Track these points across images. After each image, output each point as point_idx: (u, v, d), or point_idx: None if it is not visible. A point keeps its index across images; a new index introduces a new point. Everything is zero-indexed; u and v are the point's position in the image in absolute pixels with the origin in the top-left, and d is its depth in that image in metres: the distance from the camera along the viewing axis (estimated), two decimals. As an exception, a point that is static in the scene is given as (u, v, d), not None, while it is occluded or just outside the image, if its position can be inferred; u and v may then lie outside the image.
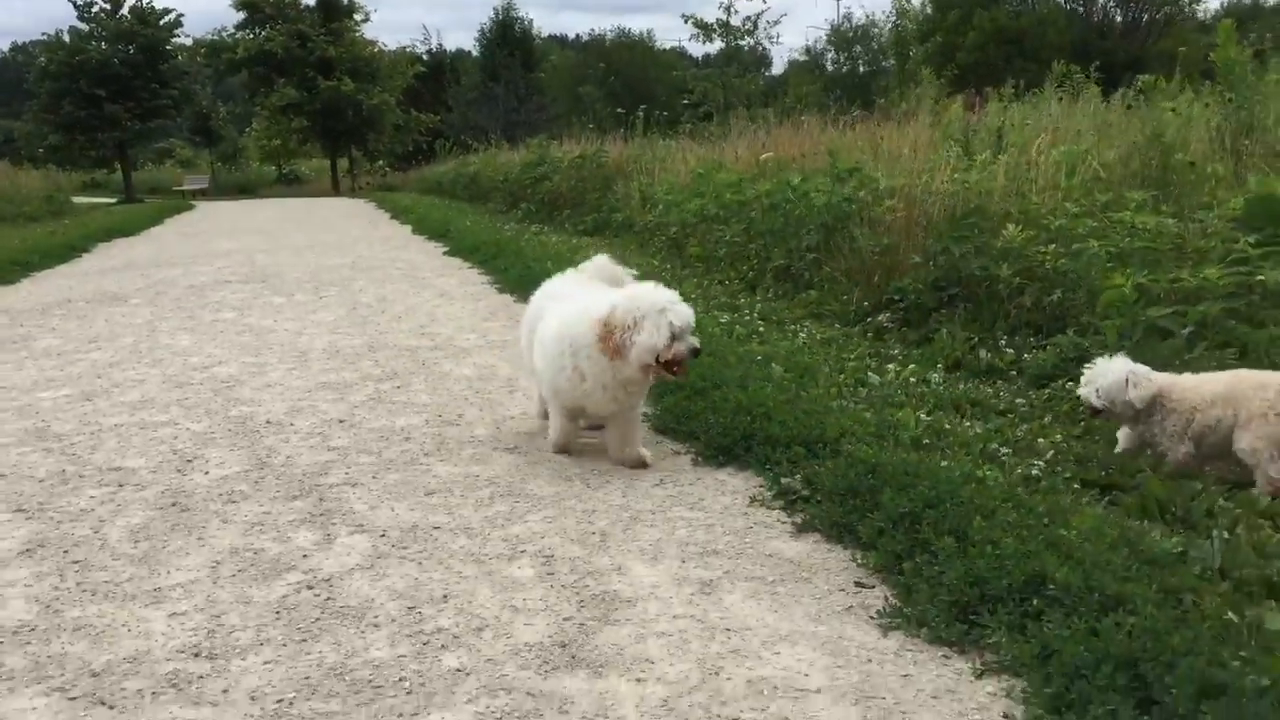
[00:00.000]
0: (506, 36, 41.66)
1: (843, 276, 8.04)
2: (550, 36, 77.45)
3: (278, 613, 2.93)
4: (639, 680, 2.50)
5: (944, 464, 3.67)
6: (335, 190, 37.37)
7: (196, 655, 2.70)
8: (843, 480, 3.57)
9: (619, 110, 18.21)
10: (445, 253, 12.89)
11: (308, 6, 37.53)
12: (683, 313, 4.11)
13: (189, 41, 37.52)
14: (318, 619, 2.88)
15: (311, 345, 6.98)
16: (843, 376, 5.46)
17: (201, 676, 2.59)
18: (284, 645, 2.74)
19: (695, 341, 4.14)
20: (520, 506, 3.77)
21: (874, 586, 3.01)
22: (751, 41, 21.75)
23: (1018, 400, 5.10)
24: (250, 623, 2.87)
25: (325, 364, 6.34)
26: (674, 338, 4.04)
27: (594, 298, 4.33)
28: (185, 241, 16.60)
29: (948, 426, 4.41)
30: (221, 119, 45.68)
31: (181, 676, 2.59)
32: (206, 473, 4.23)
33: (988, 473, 3.62)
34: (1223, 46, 8.09)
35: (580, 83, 34.06)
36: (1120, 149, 8.47)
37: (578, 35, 57.58)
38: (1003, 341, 6.18)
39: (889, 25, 27.81)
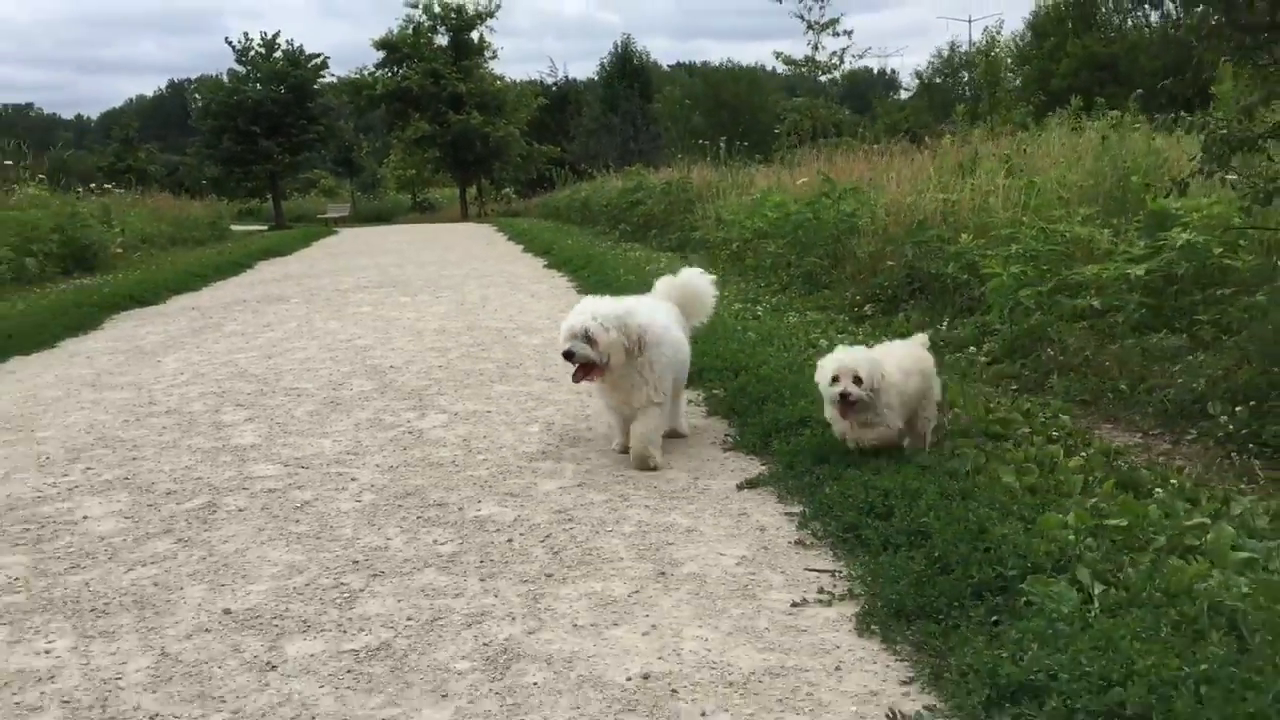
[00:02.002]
0: (625, 68, 44.70)
1: (846, 278, 10.19)
2: (678, 64, 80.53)
3: (391, 440, 5.39)
4: (600, 488, 4.83)
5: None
6: (464, 216, 40.80)
7: (348, 454, 5.17)
8: (739, 386, 5.81)
9: (701, 141, 20.54)
10: (545, 265, 15.47)
11: (441, 46, 41.22)
12: (564, 323, 4.74)
13: (334, 80, 41.68)
14: (412, 444, 5.33)
15: (425, 327, 9.55)
16: (797, 341, 7.65)
17: (351, 461, 5.04)
18: (393, 453, 5.18)
19: (566, 345, 4.68)
20: (543, 403, 6.16)
21: (735, 448, 5.26)
22: (836, 75, 23.87)
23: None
24: (376, 444, 5.33)
25: (434, 338, 8.87)
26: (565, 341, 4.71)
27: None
28: (330, 259, 19.71)
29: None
30: (363, 152, 49.97)
31: (342, 462, 5.06)
32: (350, 390, 6.77)
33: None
34: (1221, 81, 9.78)
35: (691, 112, 36.59)
36: (1083, 173, 10.36)
37: (705, 62, 60.19)
38: (945, 323, 8.23)
39: (978, 53, 29.37)
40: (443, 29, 41.25)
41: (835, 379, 4.28)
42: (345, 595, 3.37)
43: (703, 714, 2.54)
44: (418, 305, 11.23)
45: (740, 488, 4.35)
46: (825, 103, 23.11)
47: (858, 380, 4.26)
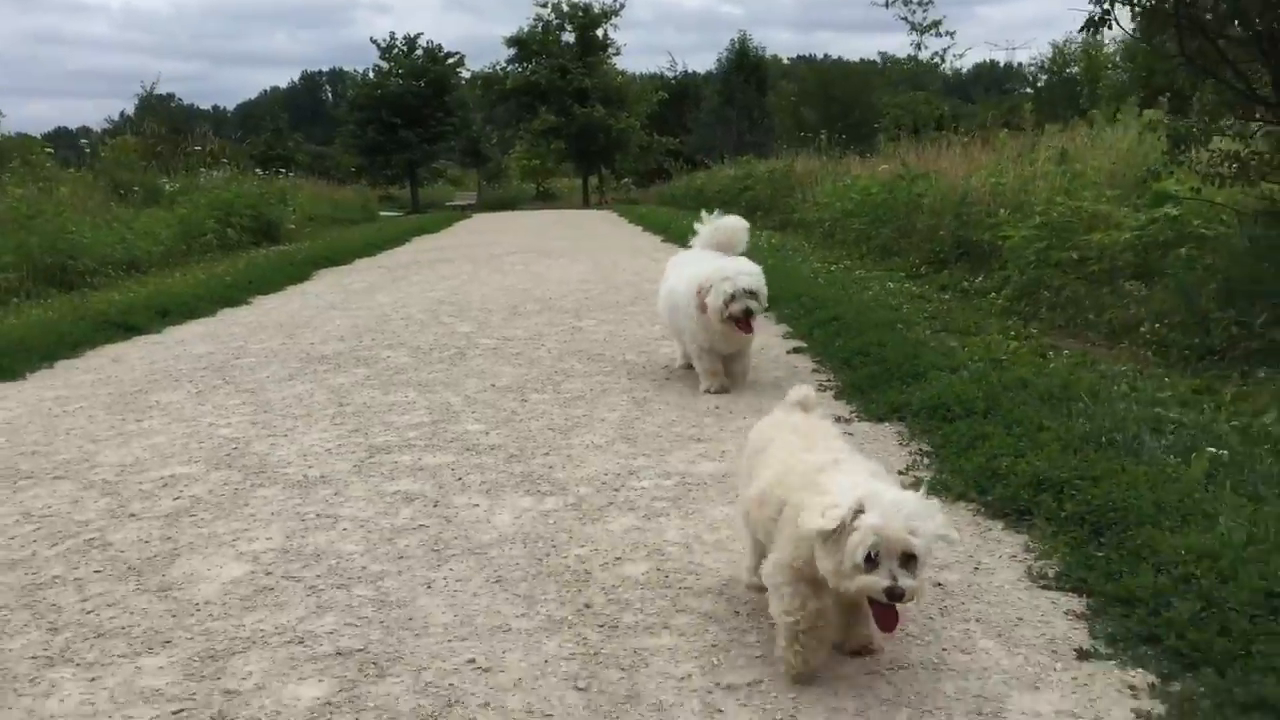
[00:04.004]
0: (742, 63, 47.21)
1: (911, 247, 12.66)
2: (799, 57, 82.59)
3: (561, 330, 8.18)
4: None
5: (879, 309, 8.48)
6: (585, 204, 43.93)
7: (534, 336, 7.97)
8: (826, 313, 8.41)
9: (805, 134, 23.02)
10: (662, 240, 18.24)
11: (568, 43, 44.44)
12: (741, 281, 5.41)
13: (468, 75, 45.32)
14: (575, 334, 8.10)
15: (570, 277, 12.41)
16: (868, 293, 10.17)
17: (537, 340, 7.85)
18: (564, 337, 7.95)
19: (751, 303, 5.42)
20: (627, 321, 8.89)
21: (804, 351, 7.88)
22: (946, 70, 26.03)
23: (945, 297, 9.70)
24: (552, 332, 8.12)
25: (578, 284, 11.71)
26: (732, 298, 5.43)
27: (703, 267, 5.77)
28: (475, 235, 22.88)
29: (902, 303, 9.09)
30: (491, 143, 53.64)
31: (532, 340, 7.86)
32: (525, 309, 9.61)
33: (902, 311, 8.39)
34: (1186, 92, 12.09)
35: (801, 106, 38.94)
36: (1120, 162, 12.60)
37: (825, 55, 62.37)
38: (980, 278, 10.66)
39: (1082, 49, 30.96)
40: (570, 26, 44.44)
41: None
42: (554, 383, 6.17)
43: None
44: (560, 265, 14.11)
45: (789, 352, 7.00)
46: (927, 98, 25.28)
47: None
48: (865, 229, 14.46)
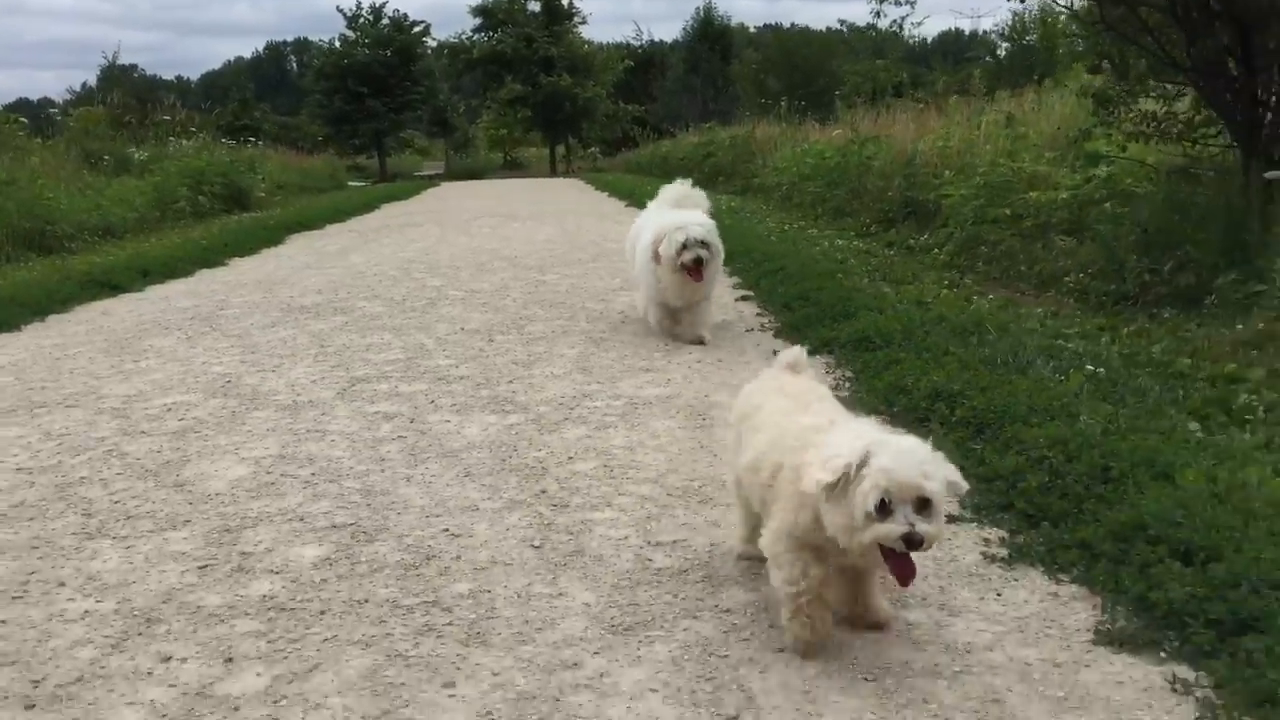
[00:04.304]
0: (707, 32, 47.54)
1: (862, 208, 13.25)
2: (765, 26, 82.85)
3: (526, 284, 8.73)
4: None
5: (824, 262, 9.05)
6: (552, 173, 44.23)
7: (501, 289, 8.51)
8: (772, 265, 8.98)
9: (766, 101, 23.54)
10: (626, 205, 18.73)
11: (534, 12, 44.58)
12: (693, 231, 5.81)
13: (434, 44, 45.38)
14: (539, 287, 8.64)
15: (535, 238, 12.93)
16: (817, 248, 10.76)
17: (504, 292, 8.39)
18: (529, 289, 8.49)
19: (701, 252, 5.77)
20: (621, 274, 9.42)
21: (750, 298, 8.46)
22: (910, 38, 26.55)
23: (890, 253, 10.30)
24: (518, 286, 8.66)
25: (543, 244, 12.23)
26: (684, 247, 5.81)
27: (661, 221, 6.19)
28: (443, 202, 23.27)
29: (847, 258, 9.69)
30: (458, 113, 53.71)
31: (498, 292, 8.40)
32: (491, 266, 10.13)
33: (846, 264, 8.97)
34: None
35: (764, 74, 39.39)
36: (1062, 124, 13.21)
37: (792, 24, 62.69)
38: (925, 236, 11.26)
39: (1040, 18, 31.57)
40: (535, -5, 44.61)
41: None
42: (518, 326, 6.72)
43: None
44: (527, 228, 14.61)
45: (737, 300, 7.58)
46: (886, 66, 25.81)
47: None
48: (820, 192, 15.03)
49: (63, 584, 3.00)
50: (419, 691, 2.37)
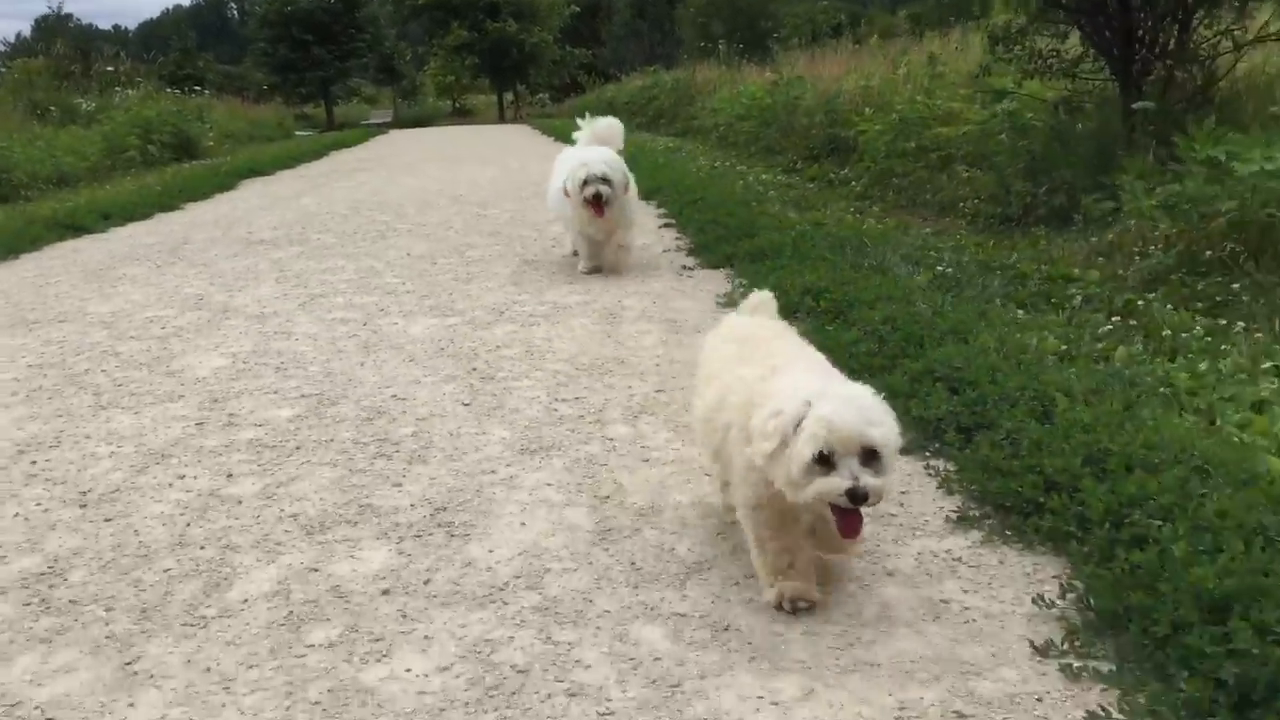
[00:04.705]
0: (655, -25, 47.78)
1: (790, 146, 14.07)
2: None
3: (468, 216, 9.49)
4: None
5: (745, 194, 9.88)
6: (501, 120, 44.55)
7: (446, 223, 9.27)
8: (693, 196, 9.80)
9: (705, 45, 24.21)
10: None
11: (478, -45, 44.56)
12: (595, 168, 6.04)
13: (378, -10, 45.28)
14: (481, 219, 9.41)
15: (480, 178, 13.65)
16: (740, 183, 11.59)
17: (448, 224, 9.15)
18: (471, 220, 9.26)
19: (602, 188, 6.01)
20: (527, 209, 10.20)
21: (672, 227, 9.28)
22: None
23: (811, 186, 11.16)
24: (460, 220, 9.43)
25: (487, 184, 12.95)
26: (585, 183, 6.08)
27: (574, 158, 6.50)
28: (391, 148, 23.80)
29: (768, 190, 10.52)
30: (404, 60, 53.63)
31: (444, 225, 9.16)
32: (436, 203, 10.86)
33: (767, 196, 9.80)
34: None
35: (707, 16, 39.85)
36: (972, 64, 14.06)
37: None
38: (845, 170, 12.11)
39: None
40: (480, -62, 44.55)
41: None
42: (459, 252, 7.51)
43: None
44: (472, 170, 15.31)
45: (659, 227, 8.40)
46: (824, 8, 26.60)
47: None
48: (754, 131, 15.83)
49: (88, 437, 3.80)
50: (375, 490, 3.22)
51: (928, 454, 3.35)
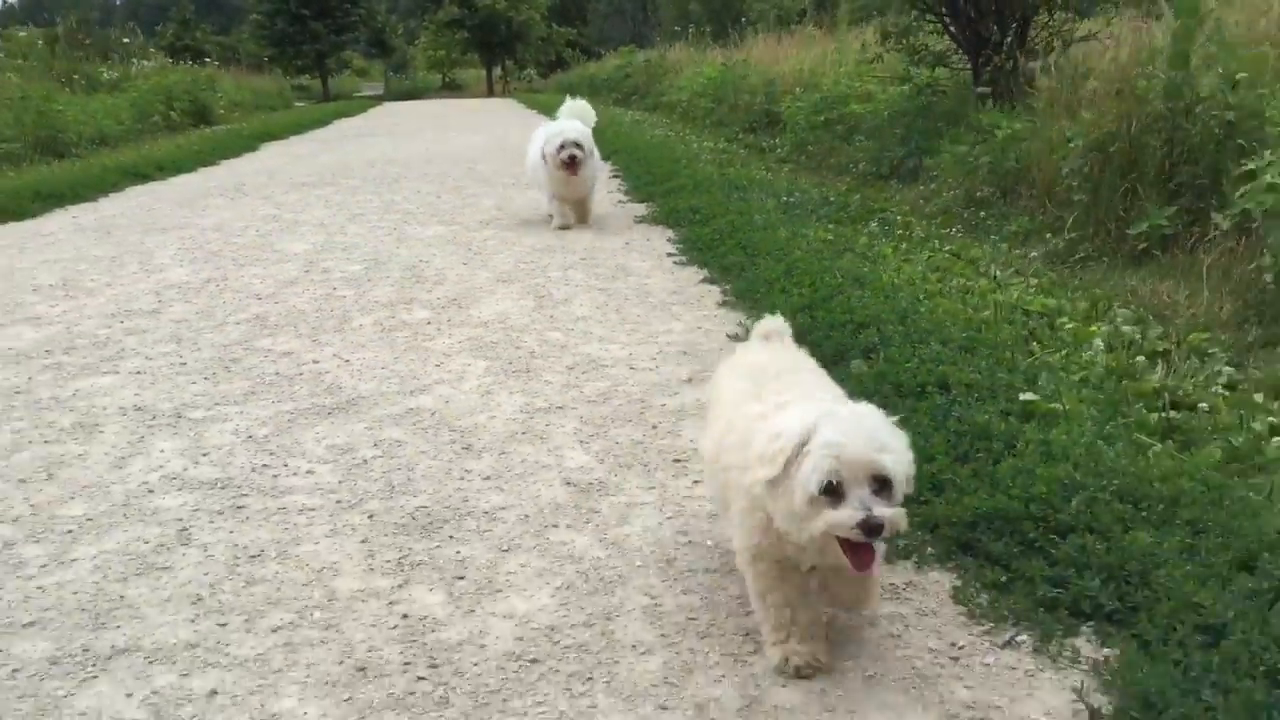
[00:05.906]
0: (639, -45, 50.35)
1: (736, 120, 16.76)
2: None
3: (460, 170, 12.19)
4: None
5: (684, 156, 12.59)
6: (489, 94, 47.07)
7: (445, 172, 11.95)
8: (639, 156, 12.50)
9: (676, 27, 26.87)
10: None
11: (469, -68, 46.99)
12: (568, 134, 7.58)
13: (372, -34, 47.59)
14: (471, 171, 12.10)
15: (470, 144, 16.33)
16: (683, 147, 14.26)
17: (445, 173, 11.84)
18: (462, 175, 11.94)
19: (575, 151, 7.49)
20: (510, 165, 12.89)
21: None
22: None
23: (743, 152, 13.86)
24: (455, 173, 12.11)
25: (476, 147, 15.61)
26: (561, 147, 7.55)
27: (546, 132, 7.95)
28: (390, 118, 26.43)
29: (704, 153, 13.18)
30: (397, 34, 55.99)
31: (441, 176, 11.85)
32: (434, 162, 13.53)
33: (701, 157, 12.52)
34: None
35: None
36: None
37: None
38: (775, 140, 14.80)
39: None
40: (471, -84, 46.99)
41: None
42: (458, 190, 10.21)
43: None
44: (464, 137, 17.99)
45: (610, 177, 11.12)
46: (790, -7, 29.23)
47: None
48: (709, 106, 18.51)
49: (240, 277, 6.53)
50: (419, 291, 5.94)
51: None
